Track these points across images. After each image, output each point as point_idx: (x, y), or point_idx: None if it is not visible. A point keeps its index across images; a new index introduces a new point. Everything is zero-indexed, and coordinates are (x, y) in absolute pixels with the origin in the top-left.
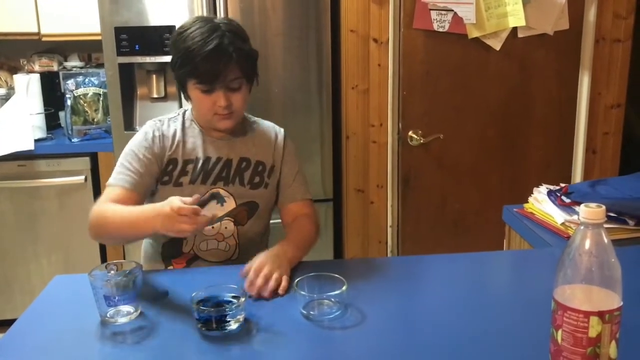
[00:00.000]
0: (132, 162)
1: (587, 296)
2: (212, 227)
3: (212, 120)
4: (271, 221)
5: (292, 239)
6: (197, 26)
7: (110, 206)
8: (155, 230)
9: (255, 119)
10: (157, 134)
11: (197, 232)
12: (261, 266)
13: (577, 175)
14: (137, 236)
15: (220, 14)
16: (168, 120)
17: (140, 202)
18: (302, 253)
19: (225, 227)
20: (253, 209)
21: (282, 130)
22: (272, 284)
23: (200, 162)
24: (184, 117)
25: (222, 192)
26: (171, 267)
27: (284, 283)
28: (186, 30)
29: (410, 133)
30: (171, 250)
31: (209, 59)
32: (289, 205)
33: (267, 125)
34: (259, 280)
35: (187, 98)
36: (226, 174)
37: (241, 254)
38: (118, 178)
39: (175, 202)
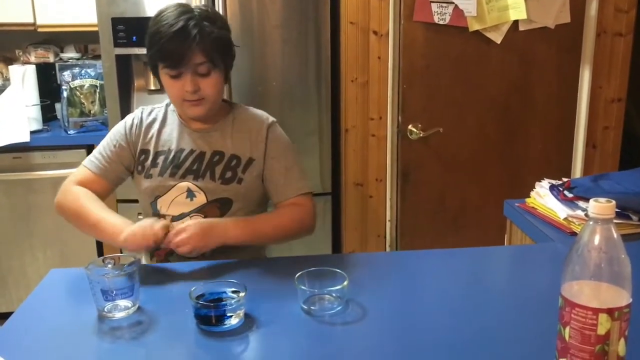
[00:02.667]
0: (107, 149)
1: (595, 293)
2: (183, 223)
3: (182, 106)
4: None
5: (252, 220)
6: (170, 10)
7: (80, 195)
8: (114, 242)
9: (245, 108)
10: (136, 122)
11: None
12: (181, 231)
13: (577, 170)
14: (88, 233)
15: (219, 5)
16: (152, 110)
17: (108, 188)
18: (253, 238)
19: (213, 220)
20: (226, 206)
21: (269, 120)
22: (172, 246)
23: (172, 154)
24: (167, 107)
25: (192, 186)
26: (154, 258)
27: (183, 249)
28: (159, 15)
29: (409, 126)
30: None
31: (172, 41)
32: (283, 204)
33: (254, 115)
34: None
35: (161, 85)
36: (197, 168)
37: (215, 250)
38: (90, 161)
39: (148, 222)
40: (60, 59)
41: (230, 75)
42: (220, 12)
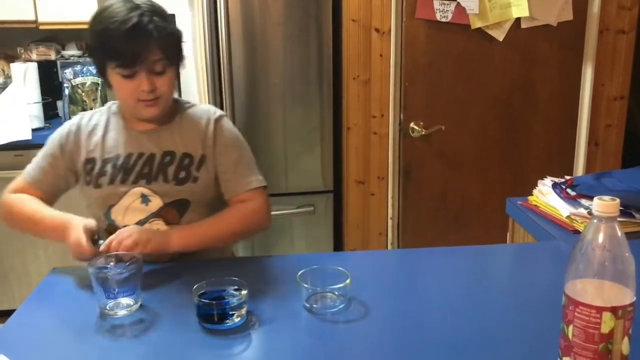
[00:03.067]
0: (43, 158)
1: (599, 291)
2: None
3: (136, 108)
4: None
5: (197, 226)
6: (115, 7)
7: (20, 201)
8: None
9: (191, 104)
10: (73, 129)
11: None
12: (123, 237)
13: (579, 168)
14: (33, 234)
15: (221, 2)
16: (91, 115)
17: (45, 199)
18: (200, 244)
19: (157, 230)
20: (183, 207)
21: (216, 113)
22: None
23: (121, 160)
24: (109, 111)
25: (145, 191)
26: None
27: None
28: (103, 11)
29: (411, 124)
30: None
31: (128, 39)
32: (232, 200)
33: (200, 110)
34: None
35: (110, 86)
36: (148, 171)
37: (181, 253)
38: (28, 170)
39: (75, 236)
40: (62, 56)
41: (180, 72)
42: (222, 9)
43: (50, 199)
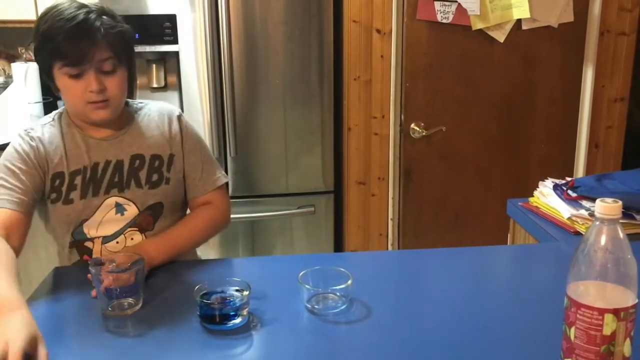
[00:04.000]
0: (10, 180)
1: (601, 293)
2: (117, 242)
3: (85, 111)
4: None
5: (168, 238)
6: (62, 6)
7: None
8: None
9: (143, 103)
10: (33, 144)
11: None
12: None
13: (580, 169)
14: None
15: (222, 2)
16: (42, 128)
17: (26, 223)
18: (175, 255)
19: (132, 239)
20: (157, 211)
21: (176, 111)
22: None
23: (89, 171)
24: (60, 121)
25: (120, 200)
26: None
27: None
28: (49, 11)
29: (412, 125)
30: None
31: (74, 36)
32: (196, 201)
33: (158, 109)
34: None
35: (56, 90)
36: (119, 179)
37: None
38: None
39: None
40: None
41: (135, 74)
42: (223, 9)
43: (28, 223)
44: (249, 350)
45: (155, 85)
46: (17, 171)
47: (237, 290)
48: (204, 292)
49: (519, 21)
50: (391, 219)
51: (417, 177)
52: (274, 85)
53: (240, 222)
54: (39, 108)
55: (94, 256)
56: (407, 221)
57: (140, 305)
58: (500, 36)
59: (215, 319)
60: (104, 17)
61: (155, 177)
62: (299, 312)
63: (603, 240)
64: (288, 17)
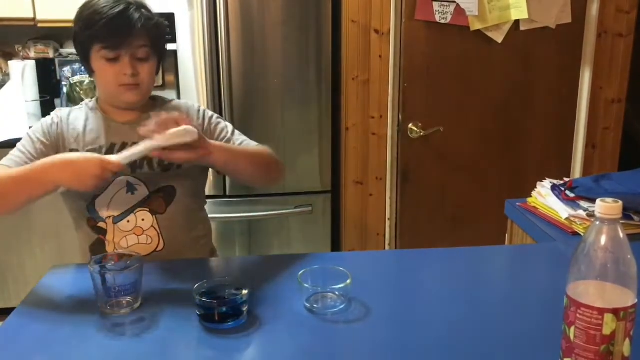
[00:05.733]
0: (27, 146)
1: (601, 293)
2: (128, 221)
3: (117, 93)
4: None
5: (231, 146)
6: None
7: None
8: (55, 185)
9: (169, 99)
10: (56, 120)
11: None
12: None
13: (577, 170)
14: (32, 194)
15: (219, 0)
16: (70, 110)
17: None
18: (233, 159)
19: (142, 219)
20: (170, 195)
21: (197, 104)
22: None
23: (104, 150)
24: (87, 106)
25: (131, 179)
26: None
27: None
28: (90, 1)
29: (410, 125)
30: (98, 253)
31: (115, 21)
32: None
33: (182, 102)
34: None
35: (91, 73)
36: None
37: (167, 244)
38: (10, 159)
39: (92, 156)
40: (60, 54)
41: (162, 66)
42: (222, 8)
43: None
44: (248, 349)
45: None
46: (36, 141)
47: (236, 289)
48: (203, 291)
49: (517, 22)
50: (388, 219)
51: (414, 177)
52: (272, 84)
53: (238, 222)
54: (36, 106)
55: (107, 236)
56: (405, 221)
57: (139, 304)
58: (499, 37)
59: (214, 318)
60: (143, 9)
61: (166, 163)
62: (298, 312)
63: (603, 240)
64: (286, 17)
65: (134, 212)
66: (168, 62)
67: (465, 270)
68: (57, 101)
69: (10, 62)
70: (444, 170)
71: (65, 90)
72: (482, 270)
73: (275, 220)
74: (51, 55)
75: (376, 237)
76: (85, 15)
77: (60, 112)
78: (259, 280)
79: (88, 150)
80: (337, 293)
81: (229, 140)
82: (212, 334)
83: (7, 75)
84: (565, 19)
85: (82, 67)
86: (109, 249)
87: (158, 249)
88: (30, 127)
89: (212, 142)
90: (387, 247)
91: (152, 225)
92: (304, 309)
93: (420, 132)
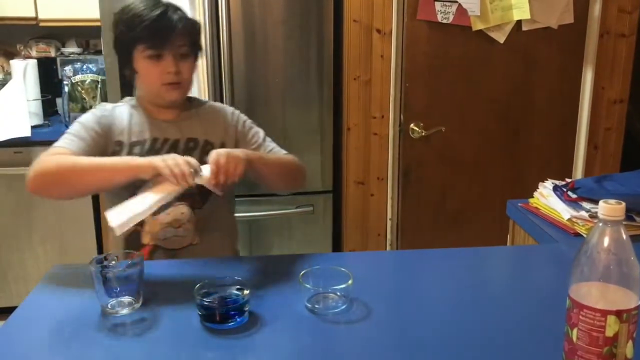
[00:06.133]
0: (81, 132)
1: (604, 294)
2: (168, 214)
3: (160, 91)
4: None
5: (259, 153)
6: (139, 3)
7: (68, 156)
8: (136, 176)
9: (205, 100)
10: (105, 113)
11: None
12: (218, 158)
13: (579, 171)
14: (101, 183)
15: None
16: (114, 106)
17: None
18: (260, 159)
19: (182, 213)
20: (204, 195)
21: (231, 108)
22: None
23: (148, 143)
24: (129, 103)
25: None
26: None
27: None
28: (128, 6)
29: (412, 125)
30: (133, 244)
31: (157, 22)
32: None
33: (217, 105)
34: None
35: (133, 74)
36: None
37: (201, 238)
38: (66, 142)
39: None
40: (62, 53)
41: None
42: (223, 7)
43: None
44: (249, 349)
45: None
46: (90, 129)
47: (237, 289)
48: (204, 291)
49: (519, 22)
50: (390, 219)
51: (416, 177)
52: (273, 84)
53: (239, 222)
54: (37, 105)
55: (145, 227)
56: (406, 221)
57: (140, 303)
58: (501, 37)
59: (216, 318)
60: (179, 11)
61: (206, 159)
62: (299, 312)
63: (606, 241)
64: (288, 16)
65: (173, 204)
66: None
67: (466, 271)
68: (58, 100)
69: (12, 61)
70: (445, 170)
71: (66, 89)
72: (484, 271)
73: (277, 220)
74: (53, 54)
75: (377, 238)
76: (126, 19)
77: (106, 106)
78: (260, 281)
79: (132, 144)
80: (338, 293)
81: (259, 146)
82: (213, 334)
83: (8, 74)
84: (567, 19)
85: (84, 67)
86: (145, 240)
87: (193, 243)
88: (79, 117)
89: (248, 152)
90: (388, 248)
91: (189, 219)
92: (305, 309)
93: (422, 132)
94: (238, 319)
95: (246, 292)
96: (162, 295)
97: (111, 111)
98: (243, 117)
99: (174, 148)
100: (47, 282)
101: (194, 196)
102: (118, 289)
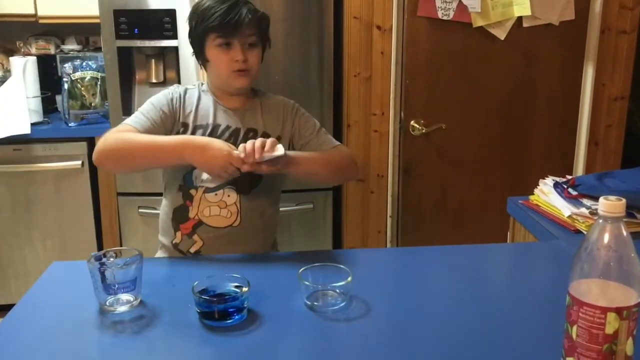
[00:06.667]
0: (150, 112)
1: (604, 291)
2: (216, 194)
3: (229, 78)
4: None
5: (304, 152)
6: None
7: (131, 133)
8: (182, 161)
9: (268, 93)
10: (175, 95)
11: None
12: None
13: (579, 168)
14: (157, 162)
15: None
16: (186, 88)
17: None
18: (306, 158)
19: (228, 195)
20: (255, 180)
21: (291, 101)
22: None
23: (210, 128)
24: (199, 87)
25: None
26: (179, 233)
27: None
28: (201, 1)
29: (412, 122)
30: (179, 215)
31: (228, 13)
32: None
33: (279, 98)
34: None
35: (205, 63)
36: (233, 143)
37: (243, 221)
38: (134, 120)
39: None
40: (61, 50)
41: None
42: None
43: None
44: (248, 347)
45: (154, 81)
46: (159, 109)
47: (236, 287)
48: (203, 288)
49: (519, 19)
50: (390, 216)
51: (416, 174)
52: (273, 81)
53: None
54: (37, 102)
55: (194, 203)
56: (406, 219)
57: (138, 301)
58: (501, 34)
59: (214, 315)
60: (249, 4)
61: None
62: (299, 309)
63: (606, 238)
64: (288, 13)
65: (223, 187)
66: (169, 58)
67: (466, 268)
68: (58, 97)
69: (11, 58)
70: (445, 167)
71: (66, 86)
72: (484, 268)
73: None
74: (52, 51)
75: (377, 235)
76: (200, 11)
77: (178, 89)
78: (259, 278)
79: (196, 127)
80: (337, 291)
81: (313, 137)
82: (212, 332)
83: (8, 72)
84: (568, 15)
85: (83, 64)
86: (192, 214)
87: (234, 224)
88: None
89: (294, 155)
90: (388, 245)
91: (235, 202)
92: (304, 306)
93: (422, 129)
94: (237, 317)
95: (245, 289)
96: (161, 292)
97: (183, 94)
98: (301, 110)
99: (234, 136)
100: (46, 280)
101: (244, 181)
102: (117, 286)
